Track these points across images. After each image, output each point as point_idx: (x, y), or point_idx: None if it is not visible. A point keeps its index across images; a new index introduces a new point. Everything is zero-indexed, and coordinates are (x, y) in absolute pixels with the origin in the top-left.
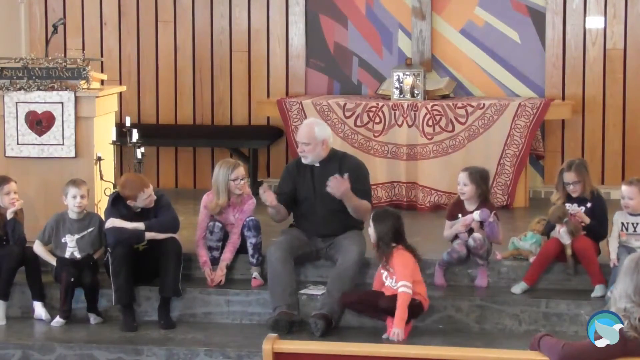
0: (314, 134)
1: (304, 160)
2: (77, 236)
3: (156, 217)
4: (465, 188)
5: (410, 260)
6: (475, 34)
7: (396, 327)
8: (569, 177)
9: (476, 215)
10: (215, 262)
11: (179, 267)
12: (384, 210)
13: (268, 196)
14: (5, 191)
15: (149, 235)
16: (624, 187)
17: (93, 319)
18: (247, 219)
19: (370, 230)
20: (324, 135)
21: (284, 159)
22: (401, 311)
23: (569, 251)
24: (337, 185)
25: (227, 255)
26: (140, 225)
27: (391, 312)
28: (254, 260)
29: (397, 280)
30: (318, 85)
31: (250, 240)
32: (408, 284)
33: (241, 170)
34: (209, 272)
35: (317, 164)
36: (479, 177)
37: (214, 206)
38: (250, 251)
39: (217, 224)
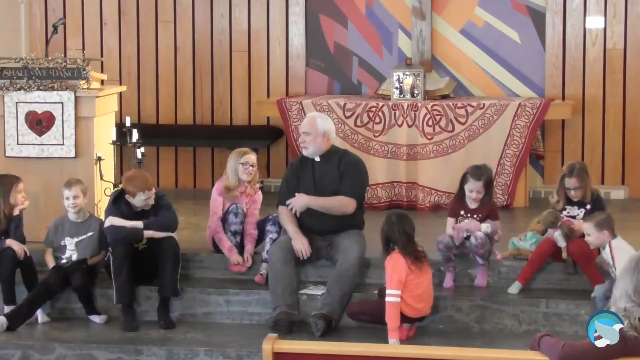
0: (316, 125)
1: (304, 152)
2: (76, 239)
3: (155, 216)
4: (479, 196)
5: (398, 266)
6: (475, 34)
7: (389, 338)
8: (571, 182)
9: (485, 227)
10: (238, 248)
11: (177, 267)
12: (388, 215)
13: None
14: (18, 189)
15: (147, 233)
16: (584, 225)
17: (99, 319)
18: (273, 215)
19: None
20: (326, 127)
21: (284, 159)
22: (390, 321)
23: (564, 254)
24: (295, 202)
25: (249, 247)
26: (138, 224)
27: (405, 320)
28: (268, 257)
29: (387, 287)
30: (318, 85)
31: (271, 236)
32: (393, 292)
33: (252, 157)
34: (237, 257)
35: (318, 159)
36: (490, 182)
37: (226, 188)
38: (267, 246)
39: (238, 205)
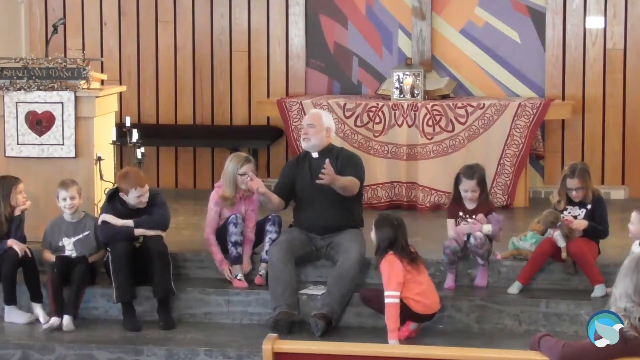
0: (321, 119)
1: (305, 145)
2: (73, 239)
3: (149, 214)
4: (475, 195)
5: (395, 268)
6: (475, 34)
7: (389, 339)
8: (573, 183)
9: (486, 229)
10: (240, 259)
11: (167, 266)
12: (385, 216)
13: (255, 184)
14: (18, 190)
15: (138, 231)
16: (633, 214)
17: (66, 322)
18: (272, 215)
19: (372, 234)
20: (329, 123)
21: (284, 159)
22: (389, 322)
23: (564, 254)
24: (328, 174)
25: (247, 250)
26: (129, 223)
27: (413, 318)
28: (268, 257)
29: (385, 289)
30: (318, 85)
31: (270, 236)
32: (392, 293)
33: (250, 167)
34: (227, 271)
35: (316, 155)
36: (483, 180)
37: (223, 199)
38: (266, 246)
39: (238, 215)
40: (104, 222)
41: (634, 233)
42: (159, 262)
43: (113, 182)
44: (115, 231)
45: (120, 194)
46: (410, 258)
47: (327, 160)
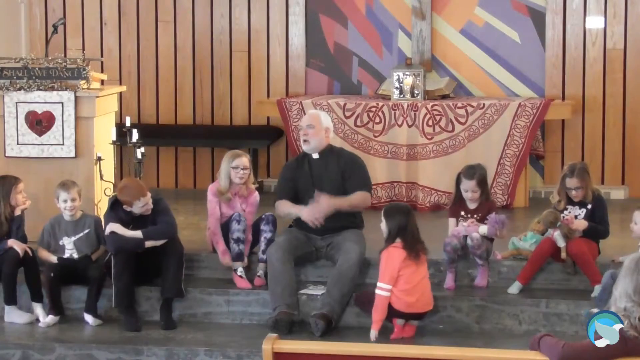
0: (320, 119)
1: (305, 146)
2: (74, 238)
3: (154, 221)
4: (475, 195)
5: (392, 261)
6: (475, 34)
7: (371, 329)
8: (572, 183)
9: (482, 229)
10: (242, 256)
11: (181, 268)
12: (394, 204)
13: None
14: (18, 190)
15: (149, 243)
16: (635, 213)
17: (92, 321)
18: (266, 214)
19: (382, 225)
20: (328, 124)
21: (284, 159)
22: (375, 313)
23: (563, 254)
24: (320, 209)
25: (245, 250)
26: (138, 234)
27: (397, 315)
28: (264, 257)
29: (378, 280)
30: (318, 85)
31: (265, 235)
32: (384, 286)
33: (243, 160)
34: (228, 261)
35: (316, 156)
36: (483, 180)
37: (218, 191)
38: (262, 246)
39: (241, 212)
40: (112, 232)
41: (638, 233)
42: (174, 263)
43: (113, 182)
44: (126, 242)
45: (124, 206)
46: (415, 251)
47: (317, 193)
